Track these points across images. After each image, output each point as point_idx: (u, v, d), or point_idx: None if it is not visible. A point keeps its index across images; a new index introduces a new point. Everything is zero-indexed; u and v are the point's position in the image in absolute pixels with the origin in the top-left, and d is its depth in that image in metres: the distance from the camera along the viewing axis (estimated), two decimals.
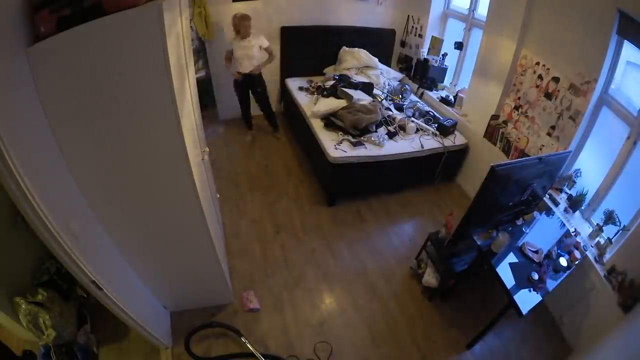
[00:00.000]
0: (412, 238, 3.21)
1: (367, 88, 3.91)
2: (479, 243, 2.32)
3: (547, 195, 2.68)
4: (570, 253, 2.33)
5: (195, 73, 2.59)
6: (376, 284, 2.77)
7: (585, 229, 2.54)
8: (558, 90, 2.70)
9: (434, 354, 2.36)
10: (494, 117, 3.36)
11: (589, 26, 2.42)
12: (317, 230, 3.18)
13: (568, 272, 2.24)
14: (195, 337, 2.22)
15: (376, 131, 3.43)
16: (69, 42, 1.19)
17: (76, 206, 1.54)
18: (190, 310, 2.41)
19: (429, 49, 4.34)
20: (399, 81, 4.51)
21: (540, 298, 2.07)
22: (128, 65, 1.30)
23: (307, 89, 4.17)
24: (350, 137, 3.31)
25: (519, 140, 3.10)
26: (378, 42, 4.68)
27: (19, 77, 1.18)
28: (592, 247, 2.40)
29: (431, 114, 3.85)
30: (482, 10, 3.68)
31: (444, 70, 4.30)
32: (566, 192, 2.73)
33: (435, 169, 3.62)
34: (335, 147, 3.16)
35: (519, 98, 3.11)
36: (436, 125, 3.65)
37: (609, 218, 2.34)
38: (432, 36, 4.30)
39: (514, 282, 2.10)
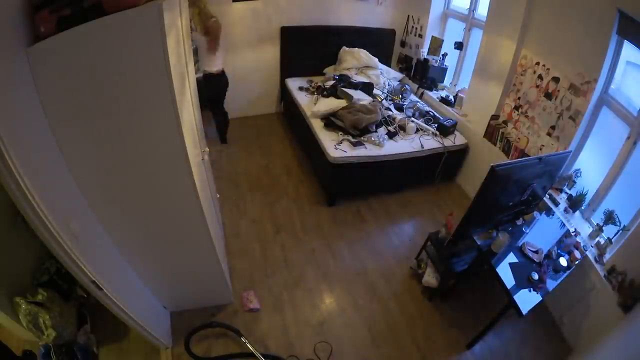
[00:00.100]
0: (412, 238, 3.21)
1: (367, 88, 3.91)
2: (479, 243, 2.32)
3: (547, 195, 2.68)
4: (570, 253, 2.33)
5: (195, 73, 2.60)
6: (376, 284, 2.77)
7: (585, 229, 2.54)
8: (558, 90, 2.70)
9: (434, 354, 2.36)
10: (494, 117, 3.36)
11: (589, 26, 2.42)
12: (317, 230, 3.18)
13: (568, 272, 2.24)
14: (195, 337, 2.22)
15: (376, 131, 3.43)
16: (69, 42, 1.19)
17: (76, 206, 1.54)
18: (190, 310, 2.41)
19: (429, 49, 4.34)
20: (399, 81, 4.51)
21: (540, 298, 2.07)
22: (128, 65, 1.30)
23: (307, 89, 4.17)
24: (350, 137, 3.31)
25: (519, 140, 3.10)
26: (378, 42, 4.68)
27: (19, 77, 1.18)
28: (592, 247, 2.40)
29: (431, 114, 3.85)
30: (482, 10, 3.68)
31: (444, 70, 4.30)
32: (566, 192, 2.73)
33: (435, 169, 3.62)
34: (335, 147, 3.17)
35: (519, 98, 3.11)
36: (436, 125, 3.65)
37: (609, 218, 2.34)
38: (432, 36, 4.30)
39: (514, 282, 2.10)
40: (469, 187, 3.76)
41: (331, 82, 4.01)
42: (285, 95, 4.55)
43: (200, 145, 2.20)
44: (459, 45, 4.02)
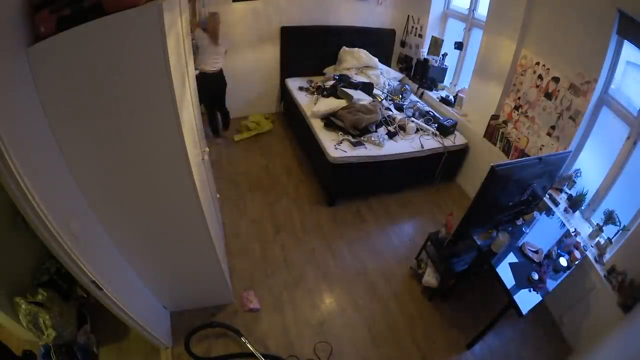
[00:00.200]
0: (412, 238, 3.21)
1: (367, 88, 3.91)
2: (479, 243, 2.32)
3: (547, 195, 2.68)
4: (570, 253, 2.33)
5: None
6: (376, 284, 2.77)
7: (585, 229, 2.54)
8: (558, 90, 2.70)
9: (434, 354, 2.36)
10: (494, 117, 3.36)
11: (589, 26, 2.42)
12: (317, 230, 3.18)
13: (568, 272, 2.24)
14: (195, 337, 2.22)
15: (376, 131, 3.43)
16: (69, 42, 1.19)
17: (76, 206, 1.54)
18: (190, 310, 2.41)
19: (429, 49, 4.34)
20: (399, 81, 4.51)
21: (540, 298, 2.07)
22: (128, 65, 1.30)
23: (307, 89, 4.17)
24: (350, 137, 3.31)
25: (519, 140, 3.10)
26: (378, 42, 4.68)
27: (19, 77, 1.18)
28: (592, 247, 2.40)
29: (431, 114, 3.85)
30: (482, 10, 3.68)
31: (444, 70, 4.30)
32: (566, 192, 2.73)
33: (435, 169, 3.62)
34: (335, 147, 3.17)
35: (519, 98, 3.11)
36: (436, 125, 3.65)
37: (609, 218, 2.34)
38: (432, 36, 4.30)
39: (514, 282, 2.10)
40: (469, 187, 3.76)
41: (331, 82, 4.01)
42: (285, 95, 4.55)
43: (200, 145, 2.20)
44: (459, 45, 4.02)
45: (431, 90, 4.29)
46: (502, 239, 2.23)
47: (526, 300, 2.03)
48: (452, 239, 2.36)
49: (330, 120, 3.47)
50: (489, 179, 1.96)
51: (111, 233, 1.75)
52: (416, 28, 4.55)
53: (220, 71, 3.71)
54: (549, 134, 2.82)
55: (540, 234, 2.47)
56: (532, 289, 2.10)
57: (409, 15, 4.60)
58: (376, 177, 3.44)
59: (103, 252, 1.73)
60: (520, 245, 2.33)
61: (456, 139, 3.59)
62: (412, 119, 3.70)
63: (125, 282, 1.91)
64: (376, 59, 4.49)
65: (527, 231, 2.47)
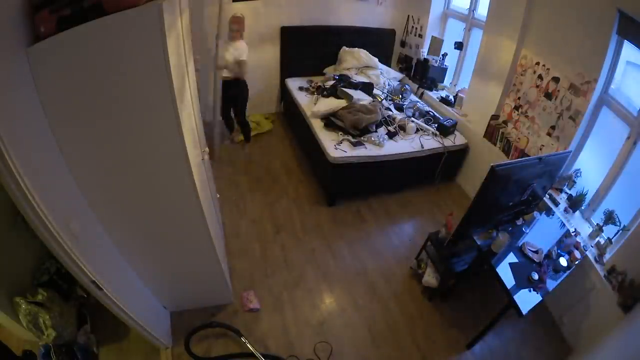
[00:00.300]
0: (412, 238, 3.21)
1: (367, 88, 3.91)
2: (479, 243, 2.32)
3: (547, 195, 2.68)
4: (570, 253, 2.33)
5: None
6: (376, 284, 2.77)
7: (585, 229, 2.54)
8: (558, 90, 2.70)
9: (434, 354, 2.36)
10: (494, 117, 3.36)
11: (589, 26, 2.42)
12: (317, 230, 3.18)
13: (568, 272, 2.24)
14: (195, 337, 2.22)
15: (376, 131, 3.43)
16: (69, 42, 1.19)
17: (76, 206, 1.53)
18: (190, 310, 2.41)
19: (429, 49, 4.34)
20: (399, 81, 4.51)
21: (540, 298, 2.07)
22: (128, 65, 1.29)
23: (307, 89, 4.17)
24: (350, 137, 3.31)
25: (519, 140, 3.10)
26: (378, 42, 4.68)
27: (19, 77, 1.17)
28: (592, 247, 2.40)
29: (431, 114, 3.85)
30: (482, 10, 3.68)
31: (444, 70, 4.30)
32: (566, 192, 2.73)
33: (435, 169, 3.62)
34: (335, 147, 3.16)
35: (519, 98, 3.11)
36: (436, 125, 3.65)
37: (609, 218, 2.34)
38: (432, 36, 4.30)
39: (514, 282, 2.10)
40: (469, 187, 3.76)
41: (331, 82, 4.01)
42: (285, 95, 4.55)
43: (200, 145, 2.20)
44: (459, 45, 4.02)
45: (431, 90, 4.29)
46: (502, 239, 2.23)
47: (526, 300, 2.03)
48: (452, 239, 2.36)
49: (330, 120, 3.47)
50: (489, 179, 1.96)
51: (111, 233, 1.75)
52: (416, 28, 4.55)
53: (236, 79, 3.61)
54: (549, 134, 2.82)
55: (540, 234, 2.47)
56: (532, 289, 2.10)
57: (409, 15, 4.60)
58: (376, 177, 3.44)
59: (103, 252, 1.73)
60: (520, 245, 2.33)
61: (456, 139, 3.59)
62: (412, 119, 3.70)
63: (125, 282, 1.91)
64: (376, 59, 4.49)
65: (527, 231, 2.47)
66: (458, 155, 3.67)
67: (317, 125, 3.49)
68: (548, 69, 2.78)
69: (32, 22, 1.21)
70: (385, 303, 2.64)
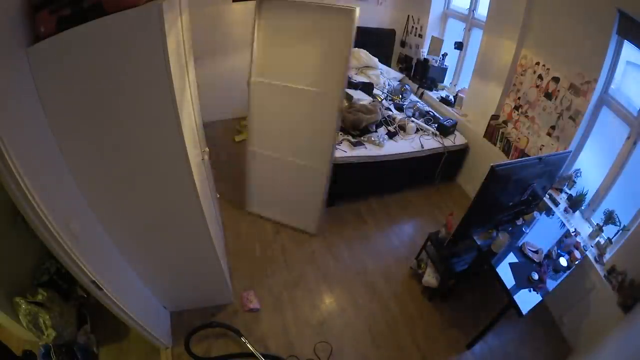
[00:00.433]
0: (412, 238, 3.21)
1: (367, 88, 3.91)
2: (479, 243, 2.32)
3: (547, 195, 2.68)
4: (570, 253, 2.33)
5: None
6: (376, 284, 2.77)
7: (585, 229, 2.54)
8: (558, 90, 2.70)
9: (434, 354, 2.36)
10: (494, 117, 3.36)
11: (589, 26, 2.42)
12: (317, 230, 3.18)
13: (568, 272, 2.24)
14: (195, 337, 2.22)
15: (376, 131, 3.43)
16: (69, 42, 1.19)
17: (76, 206, 1.53)
18: (190, 310, 2.41)
19: (429, 49, 4.34)
20: (399, 81, 4.51)
21: (540, 298, 2.07)
22: (128, 65, 1.29)
23: None
24: (350, 137, 3.31)
25: (519, 140, 3.10)
26: (378, 42, 4.68)
27: (19, 77, 1.18)
28: (592, 247, 2.41)
29: (431, 114, 3.85)
30: (482, 10, 3.68)
31: (444, 70, 4.30)
32: (566, 192, 2.73)
33: (436, 169, 3.62)
34: (335, 147, 3.16)
35: (519, 98, 3.11)
36: (436, 125, 3.65)
37: (609, 218, 2.34)
38: (432, 36, 4.31)
39: (514, 282, 2.10)
40: (469, 187, 3.76)
41: None
42: None
43: (200, 145, 2.20)
44: (459, 45, 4.02)
45: (431, 90, 4.29)
46: (502, 239, 2.23)
47: (526, 300, 2.03)
48: (452, 239, 2.36)
49: None
50: (489, 179, 1.96)
51: (111, 233, 1.75)
52: (416, 28, 4.55)
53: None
54: (549, 134, 2.82)
55: (540, 234, 2.47)
56: (532, 289, 2.10)
57: (409, 15, 4.60)
58: (376, 177, 3.43)
59: (103, 252, 1.73)
60: (520, 245, 2.33)
61: (456, 139, 3.59)
62: (412, 119, 3.70)
63: (125, 282, 1.91)
64: (376, 59, 4.49)
65: (527, 231, 2.47)
66: (458, 155, 3.67)
67: None
68: (548, 69, 2.78)
69: (32, 22, 1.21)
70: (385, 303, 2.64)
